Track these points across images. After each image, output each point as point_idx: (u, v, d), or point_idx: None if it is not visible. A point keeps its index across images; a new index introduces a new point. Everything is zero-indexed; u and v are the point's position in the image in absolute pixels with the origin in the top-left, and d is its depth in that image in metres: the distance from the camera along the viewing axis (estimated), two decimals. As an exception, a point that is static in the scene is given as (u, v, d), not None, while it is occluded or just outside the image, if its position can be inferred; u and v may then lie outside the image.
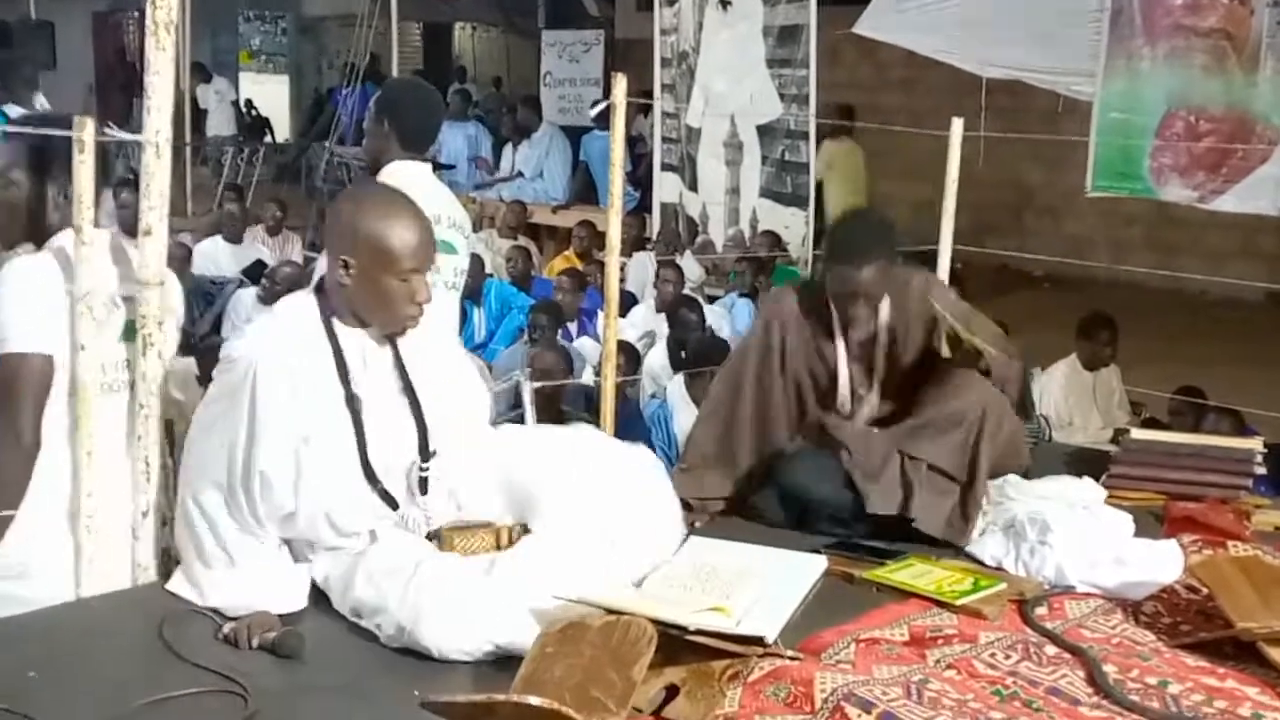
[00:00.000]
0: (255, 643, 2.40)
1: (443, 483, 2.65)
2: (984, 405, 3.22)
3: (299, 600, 2.54)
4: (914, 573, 2.89)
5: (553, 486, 2.61)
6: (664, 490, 2.77)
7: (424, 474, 2.60)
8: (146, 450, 2.66)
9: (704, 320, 6.64)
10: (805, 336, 3.35)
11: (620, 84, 3.58)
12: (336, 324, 2.52)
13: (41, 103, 4.71)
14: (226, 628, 2.44)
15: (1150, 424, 5.63)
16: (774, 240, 8.39)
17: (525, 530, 2.60)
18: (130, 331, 2.69)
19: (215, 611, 2.50)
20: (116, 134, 2.64)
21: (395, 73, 13.07)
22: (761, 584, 2.47)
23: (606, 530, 2.56)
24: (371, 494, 2.55)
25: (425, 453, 2.60)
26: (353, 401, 2.50)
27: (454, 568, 2.48)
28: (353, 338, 2.54)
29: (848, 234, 3.41)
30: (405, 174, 3.42)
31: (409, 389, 2.59)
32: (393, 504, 2.58)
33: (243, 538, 2.48)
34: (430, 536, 2.62)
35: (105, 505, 2.64)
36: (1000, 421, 3.25)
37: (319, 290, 2.57)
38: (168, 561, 2.75)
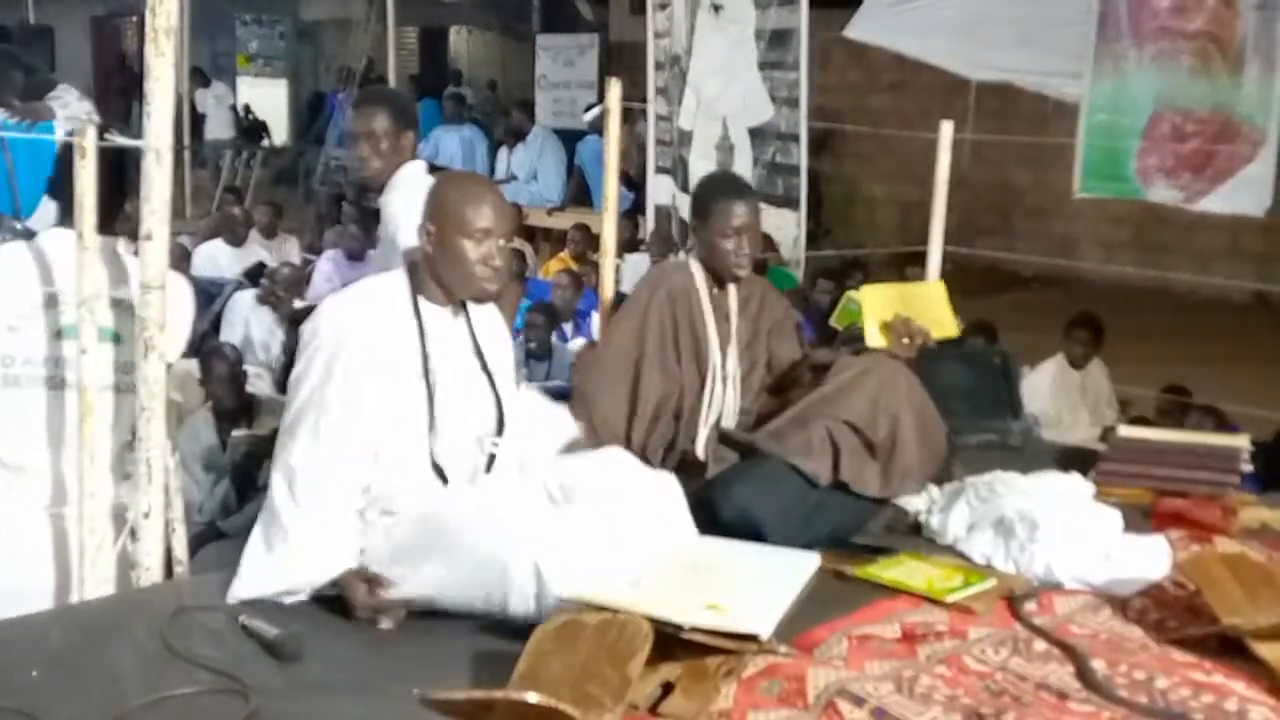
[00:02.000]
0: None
1: (507, 467, 2.79)
2: (883, 362, 3.31)
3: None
4: (905, 570, 2.92)
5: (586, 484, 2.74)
6: (681, 512, 2.86)
7: (494, 449, 2.76)
8: (148, 452, 2.69)
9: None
10: (683, 313, 3.39)
11: (614, 89, 3.62)
12: (421, 300, 2.71)
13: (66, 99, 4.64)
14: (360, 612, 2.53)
15: (1138, 422, 5.66)
16: (766, 241, 8.41)
17: None
18: (118, 335, 2.74)
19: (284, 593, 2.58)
20: (117, 139, 2.66)
21: (392, 76, 13.07)
22: (756, 581, 2.50)
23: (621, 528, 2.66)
24: (427, 468, 2.68)
25: (500, 426, 2.77)
26: (428, 374, 2.67)
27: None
28: (435, 313, 2.72)
29: (725, 178, 3.55)
30: (424, 173, 3.53)
31: (484, 366, 2.77)
32: (443, 478, 2.70)
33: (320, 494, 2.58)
34: None
35: (97, 504, 2.67)
36: (910, 382, 3.32)
37: (411, 268, 2.75)
38: (170, 562, 2.79)
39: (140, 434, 2.68)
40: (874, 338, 3.36)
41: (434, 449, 2.69)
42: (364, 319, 2.66)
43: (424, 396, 2.68)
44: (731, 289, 3.47)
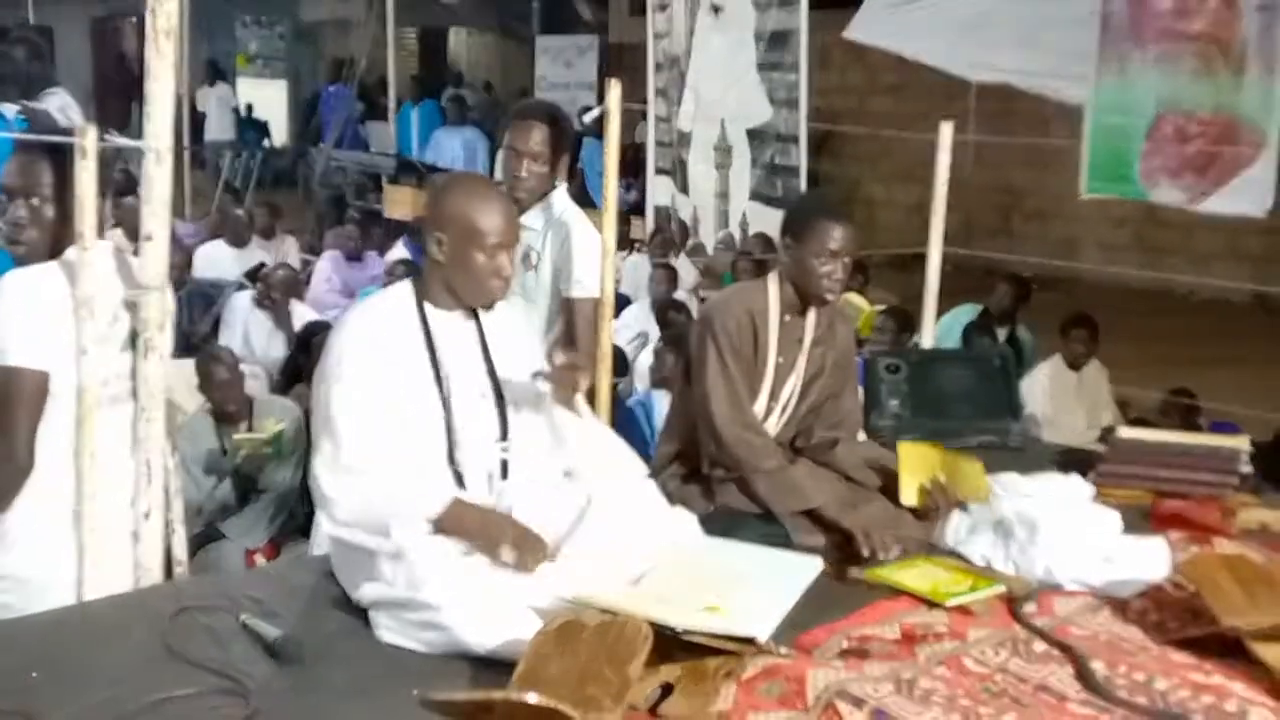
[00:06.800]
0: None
1: (523, 472, 2.76)
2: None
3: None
4: (915, 573, 2.91)
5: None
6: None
7: (504, 455, 2.74)
8: (148, 453, 2.68)
9: (691, 320, 6.66)
10: (747, 337, 3.29)
11: (614, 90, 3.61)
12: (428, 307, 2.71)
13: (59, 104, 4.66)
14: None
15: (1138, 424, 5.66)
16: (767, 242, 8.43)
17: None
18: (134, 340, 2.72)
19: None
20: (118, 140, 2.66)
21: (391, 77, 13.04)
22: (756, 583, 2.50)
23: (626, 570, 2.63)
24: (447, 472, 2.67)
25: (504, 431, 2.75)
26: (440, 381, 2.67)
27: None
28: (442, 320, 2.72)
29: (826, 197, 3.41)
30: (573, 202, 3.58)
31: (491, 371, 2.76)
32: (461, 483, 2.68)
33: None
34: None
35: (107, 514, 2.66)
36: None
37: (416, 277, 2.77)
38: (171, 562, 2.79)
39: (139, 435, 2.68)
40: (908, 496, 3.19)
41: (452, 454, 2.68)
42: (375, 329, 2.65)
43: (438, 402, 2.66)
44: (810, 316, 3.35)
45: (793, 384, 3.36)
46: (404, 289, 2.75)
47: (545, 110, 3.58)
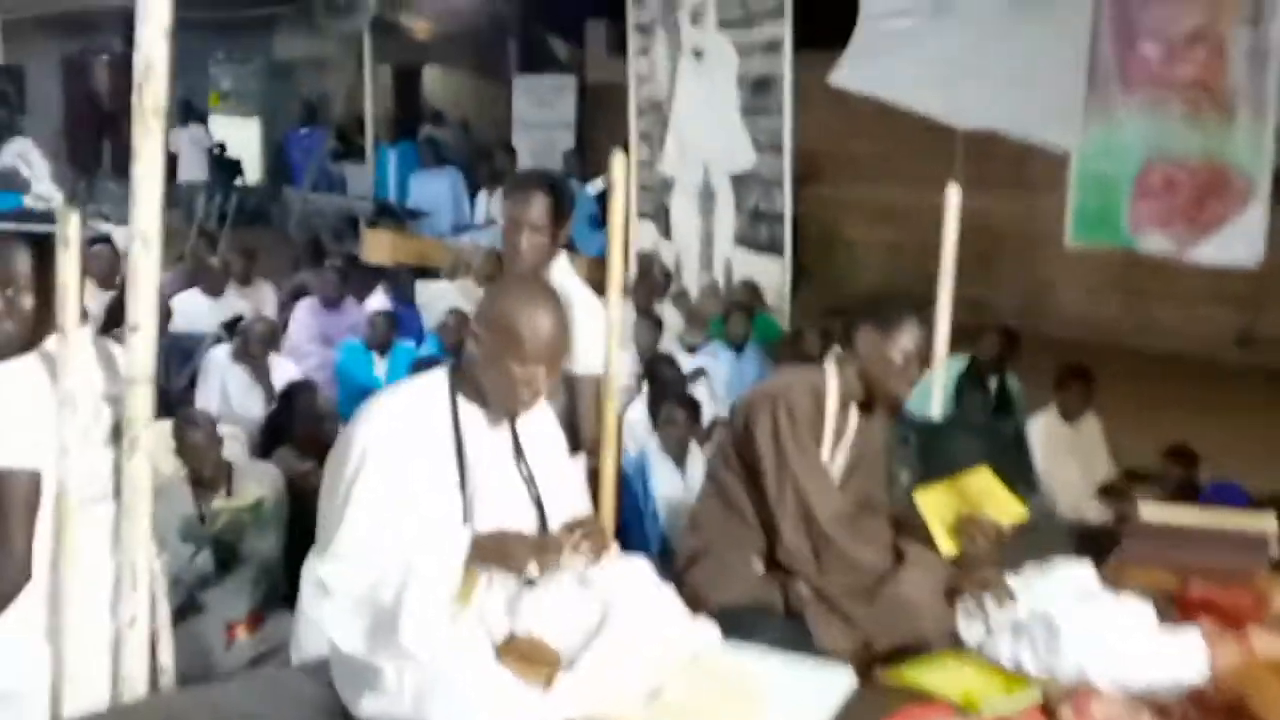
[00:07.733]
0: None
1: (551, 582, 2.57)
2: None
3: None
4: (943, 676, 2.77)
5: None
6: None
7: (533, 575, 2.54)
8: (132, 555, 2.53)
9: (682, 375, 6.54)
10: (813, 424, 3.14)
11: (619, 161, 3.47)
12: (462, 401, 2.57)
13: (18, 150, 4.51)
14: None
15: (1133, 478, 5.59)
16: (753, 290, 8.32)
17: None
18: (117, 434, 2.56)
19: None
20: (102, 228, 2.51)
21: (369, 116, 12.87)
22: (786, 701, 2.37)
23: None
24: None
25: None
26: (464, 484, 2.52)
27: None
28: (476, 418, 2.58)
29: (910, 295, 3.31)
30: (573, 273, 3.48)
31: (530, 477, 2.62)
32: None
33: None
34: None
35: (87, 621, 2.50)
36: None
37: (454, 367, 2.62)
38: (155, 671, 2.63)
39: (122, 536, 2.52)
40: (945, 546, 3.11)
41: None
42: (402, 425, 2.51)
43: (461, 504, 2.52)
44: (853, 409, 3.23)
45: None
46: (438, 380, 2.61)
47: (544, 180, 3.49)
